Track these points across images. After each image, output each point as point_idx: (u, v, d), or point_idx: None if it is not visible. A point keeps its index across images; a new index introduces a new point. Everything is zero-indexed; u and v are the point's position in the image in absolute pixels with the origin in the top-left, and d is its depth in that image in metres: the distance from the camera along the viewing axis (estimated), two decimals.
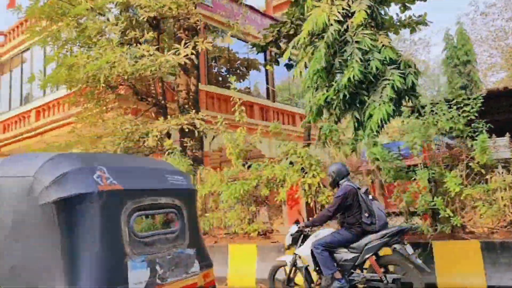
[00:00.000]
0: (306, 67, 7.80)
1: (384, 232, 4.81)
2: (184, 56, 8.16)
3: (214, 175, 8.07)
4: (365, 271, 4.98)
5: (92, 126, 10.91)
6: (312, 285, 5.21)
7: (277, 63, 13.25)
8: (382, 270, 4.83)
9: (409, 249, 4.75)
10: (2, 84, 18.16)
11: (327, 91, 7.25)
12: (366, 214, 4.88)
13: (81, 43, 9.50)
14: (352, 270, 4.92)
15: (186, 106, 9.98)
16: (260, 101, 17.29)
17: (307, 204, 7.34)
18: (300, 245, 5.27)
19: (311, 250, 5.01)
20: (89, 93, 10.42)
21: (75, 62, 8.75)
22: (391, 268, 4.97)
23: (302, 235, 5.31)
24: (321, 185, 6.83)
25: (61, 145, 12.35)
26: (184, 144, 9.49)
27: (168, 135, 9.17)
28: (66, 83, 9.61)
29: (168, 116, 9.60)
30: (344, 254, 4.94)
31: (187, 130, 9.13)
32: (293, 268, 5.40)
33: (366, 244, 4.82)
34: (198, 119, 8.96)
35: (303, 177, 6.94)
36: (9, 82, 17.72)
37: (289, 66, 13.34)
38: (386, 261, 4.96)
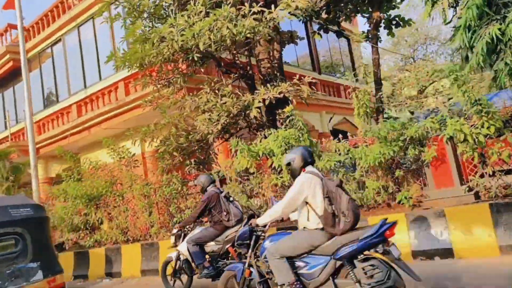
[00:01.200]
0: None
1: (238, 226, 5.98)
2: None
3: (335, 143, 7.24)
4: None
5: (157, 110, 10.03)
6: (192, 274, 6.48)
7: (326, 31, 12.62)
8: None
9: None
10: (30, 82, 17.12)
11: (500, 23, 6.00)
12: (225, 213, 6.11)
13: (158, 15, 8.51)
14: (218, 259, 6.15)
15: (271, 76, 9.04)
16: (309, 73, 16.35)
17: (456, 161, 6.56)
18: (181, 243, 6.50)
19: (187, 245, 6.21)
20: (161, 71, 9.48)
21: (157, 34, 7.81)
22: None
23: (183, 234, 6.58)
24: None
25: (109, 137, 11.50)
26: (277, 116, 8.64)
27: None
28: (142, 60, 8.65)
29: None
30: (212, 247, 6.17)
31: (273, 102, 8.26)
32: (178, 262, 6.62)
33: (226, 237, 6.10)
34: (295, 87, 8.04)
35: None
36: (40, 78, 16.68)
37: (339, 34, 12.88)
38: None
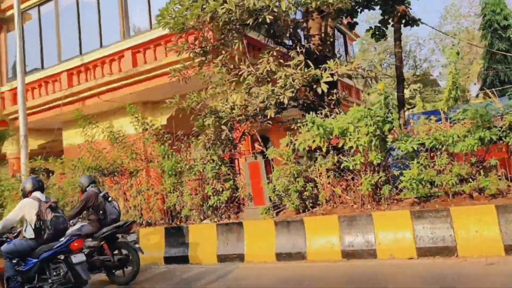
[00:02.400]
0: None
1: (115, 225, 6.58)
2: None
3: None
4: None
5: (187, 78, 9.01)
6: None
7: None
8: (116, 252, 6.64)
9: (131, 237, 6.69)
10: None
11: None
12: (101, 212, 6.60)
13: None
14: (94, 254, 6.55)
15: (322, 53, 8.40)
16: None
17: None
18: None
19: None
20: (200, 37, 8.52)
21: None
22: (124, 251, 6.64)
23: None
24: None
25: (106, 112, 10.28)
26: (337, 96, 8.03)
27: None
28: (188, 20, 7.66)
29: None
30: (89, 243, 6.52)
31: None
32: None
33: (102, 234, 6.53)
34: (358, 67, 7.46)
35: None
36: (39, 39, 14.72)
37: (352, 26, 12.73)
38: (117, 246, 6.68)
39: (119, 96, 12.16)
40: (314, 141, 6.85)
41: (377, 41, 14.23)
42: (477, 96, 21.74)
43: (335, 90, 8.04)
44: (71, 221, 6.59)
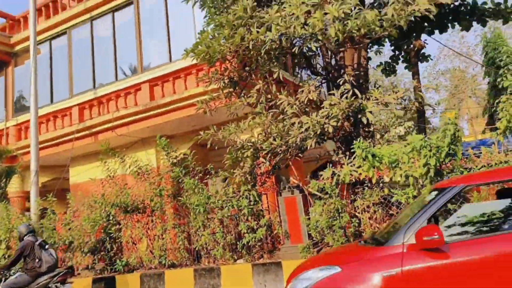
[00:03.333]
0: None
1: (52, 274, 6.76)
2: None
3: None
4: None
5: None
6: None
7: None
8: None
9: (66, 286, 6.92)
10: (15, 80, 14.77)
11: None
12: (37, 260, 6.74)
13: None
14: None
15: (357, 83, 8.20)
16: None
17: None
18: None
19: None
20: (232, 68, 8.29)
21: (258, 20, 6.72)
22: None
23: (4, 279, 6.98)
24: None
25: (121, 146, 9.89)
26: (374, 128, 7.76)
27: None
28: (217, 53, 7.44)
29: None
30: None
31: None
32: None
33: (37, 284, 6.71)
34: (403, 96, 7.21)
35: None
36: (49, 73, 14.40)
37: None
38: None
39: (134, 130, 11.76)
40: (361, 172, 6.47)
41: (387, 76, 14.29)
42: (483, 132, 21.83)
43: (372, 121, 7.78)
44: (6, 272, 7.00)
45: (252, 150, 7.24)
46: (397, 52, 13.41)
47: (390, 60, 13.23)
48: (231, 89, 8.79)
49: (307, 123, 6.66)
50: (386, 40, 10.87)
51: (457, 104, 35.49)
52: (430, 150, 5.82)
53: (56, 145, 12.85)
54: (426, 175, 5.97)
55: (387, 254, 3.57)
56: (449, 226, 3.90)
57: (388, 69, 13.49)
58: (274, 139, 6.97)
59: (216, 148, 9.23)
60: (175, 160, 8.55)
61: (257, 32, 6.77)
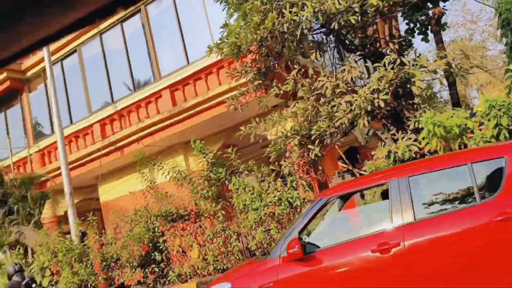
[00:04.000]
0: None
1: None
2: None
3: None
4: None
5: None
6: None
7: None
8: None
9: None
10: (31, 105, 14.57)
11: None
12: None
13: None
14: None
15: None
16: None
17: None
18: None
19: None
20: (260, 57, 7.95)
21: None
22: None
23: None
24: None
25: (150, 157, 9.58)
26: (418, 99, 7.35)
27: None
28: (245, 44, 7.10)
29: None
30: None
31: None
32: None
33: None
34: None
35: None
36: (44, 99, 14.20)
37: None
38: None
39: (160, 139, 11.49)
40: (427, 143, 6.06)
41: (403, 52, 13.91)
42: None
43: (418, 92, 7.38)
44: None
45: (299, 137, 6.88)
46: (411, 25, 13.07)
47: (405, 34, 12.85)
48: (260, 81, 8.45)
49: (356, 100, 6.29)
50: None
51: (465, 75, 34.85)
52: (500, 110, 5.42)
53: (82, 165, 12.61)
54: (497, 137, 5.57)
55: (267, 267, 3.95)
56: (318, 235, 4.46)
57: (404, 44, 13.10)
58: (323, 123, 6.60)
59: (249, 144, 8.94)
60: (213, 160, 8.20)
61: (290, 12, 6.41)
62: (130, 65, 12.28)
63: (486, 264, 3.36)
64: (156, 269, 8.37)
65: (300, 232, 3.99)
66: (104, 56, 12.78)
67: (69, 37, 13.25)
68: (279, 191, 7.38)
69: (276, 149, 7.35)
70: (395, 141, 6.77)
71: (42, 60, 14.03)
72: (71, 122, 13.48)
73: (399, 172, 4.02)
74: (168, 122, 11.01)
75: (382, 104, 6.24)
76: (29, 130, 14.32)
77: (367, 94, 6.38)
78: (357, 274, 3.71)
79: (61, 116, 13.75)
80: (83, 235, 9.81)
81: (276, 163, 7.72)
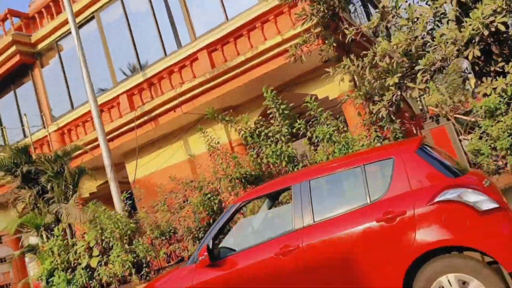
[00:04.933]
0: None
1: None
2: None
3: None
4: None
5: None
6: None
7: None
8: None
9: None
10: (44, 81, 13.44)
11: None
12: None
13: None
14: None
15: None
16: None
17: None
18: None
19: None
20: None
21: None
22: None
23: None
24: None
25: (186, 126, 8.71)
26: None
27: None
28: None
29: None
30: None
31: None
32: None
33: None
34: None
35: None
36: (61, 74, 13.08)
37: None
38: None
39: (199, 106, 10.54)
40: None
41: None
42: None
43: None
44: None
45: (399, 73, 6.01)
46: None
47: None
48: (321, 28, 7.61)
49: (470, 25, 5.46)
50: None
51: None
52: None
53: (110, 140, 11.56)
54: None
55: (186, 273, 4.19)
56: (237, 239, 4.67)
57: None
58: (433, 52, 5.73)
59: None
60: (290, 112, 7.31)
61: None
62: (158, 28, 11.24)
63: (371, 260, 3.48)
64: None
65: (215, 239, 4.13)
66: (128, 20, 11.70)
67: (85, 2, 12.13)
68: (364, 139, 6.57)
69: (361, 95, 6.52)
70: (500, 75, 5.98)
71: (53, 31, 12.92)
72: None
73: (301, 176, 4.19)
74: (208, 85, 10.07)
75: (502, 28, 5.43)
76: (45, 108, 13.21)
77: (483, 17, 5.53)
78: (262, 278, 3.82)
79: (81, 91, 12.75)
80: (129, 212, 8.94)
81: None
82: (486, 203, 3.24)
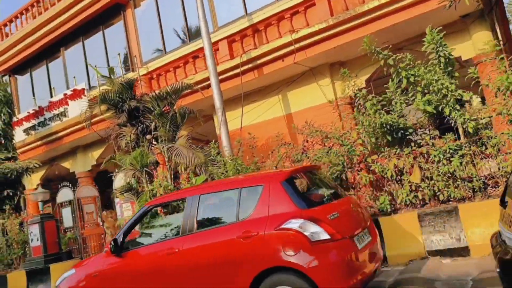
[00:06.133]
0: None
1: None
2: None
3: None
4: None
5: None
6: None
7: None
8: None
9: None
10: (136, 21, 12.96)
11: None
12: None
13: None
14: None
15: None
16: None
17: None
18: None
19: None
20: None
21: None
22: None
23: None
24: None
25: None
26: None
27: None
28: None
29: None
30: None
31: None
32: None
33: None
34: None
35: None
36: (155, 14, 12.54)
37: None
38: None
39: (308, 57, 9.73)
40: None
41: None
42: None
43: None
44: None
45: None
46: None
47: None
48: None
49: None
50: None
51: None
52: None
53: (207, 87, 10.90)
54: None
55: (100, 258, 5.28)
56: (144, 236, 5.69)
57: None
58: None
59: None
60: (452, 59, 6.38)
61: None
62: None
63: (230, 267, 4.23)
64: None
65: (125, 234, 5.07)
66: None
67: None
68: None
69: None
70: None
71: None
72: (189, 40, 11.84)
73: (195, 190, 5.07)
74: (329, 32, 9.18)
75: None
76: (136, 51, 12.76)
77: None
78: (150, 270, 4.71)
79: (175, 37, 12.21)
80: None
81: None
82: (318, 235, 3.87)
